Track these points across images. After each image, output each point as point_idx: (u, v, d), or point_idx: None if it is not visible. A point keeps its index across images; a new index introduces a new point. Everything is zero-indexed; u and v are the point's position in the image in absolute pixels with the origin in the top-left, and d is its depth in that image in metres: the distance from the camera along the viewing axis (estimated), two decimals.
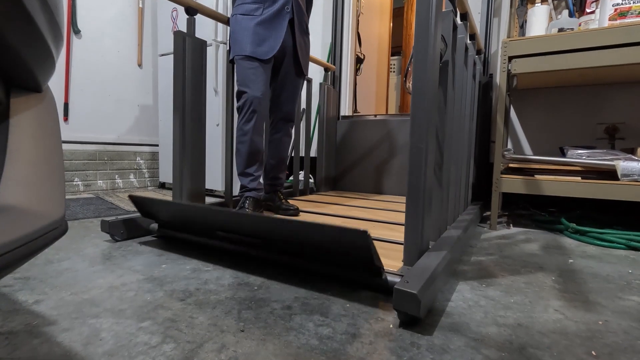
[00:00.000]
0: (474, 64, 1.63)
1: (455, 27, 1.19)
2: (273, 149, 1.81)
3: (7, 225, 0.29)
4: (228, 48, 1.67)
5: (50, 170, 0.37)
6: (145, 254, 1.21)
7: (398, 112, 4.22)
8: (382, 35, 3.63)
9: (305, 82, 1.93)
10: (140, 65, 3.06)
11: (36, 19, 0.31)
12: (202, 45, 1.53)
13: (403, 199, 2.27)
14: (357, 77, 2.91)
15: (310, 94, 2.39)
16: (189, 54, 1.47)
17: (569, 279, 1.08)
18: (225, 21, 1.67)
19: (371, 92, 3.45)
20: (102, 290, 0.90)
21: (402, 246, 0.99)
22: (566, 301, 0.91)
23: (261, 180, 1.74)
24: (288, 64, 1.71)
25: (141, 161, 3.12)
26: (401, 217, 1.59)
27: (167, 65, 2.82)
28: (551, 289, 1.00)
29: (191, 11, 1.47)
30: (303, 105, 2.43)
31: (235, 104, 1.63)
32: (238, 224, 1.08)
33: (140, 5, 3.00)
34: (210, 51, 2.42)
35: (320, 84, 2.48)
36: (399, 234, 1.31)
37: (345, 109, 2.78)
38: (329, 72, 2.58)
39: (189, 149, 1.51)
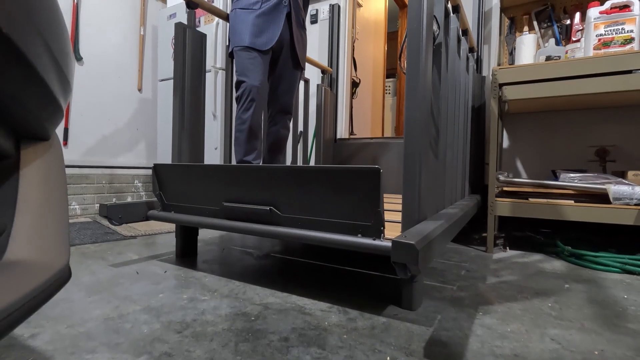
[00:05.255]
0: (467, 58, 1.68)
1: (447, 13, 1.26)
2: (271, 141, 1.86)
3: (15, 282, 0.31)
4: (227, 43, 1.74)
5: (55, 218, 0.39)
6: (142, 282, 1.21)
7: (394, 135, 4.28)
8: (377, 58, 3.72)
9: (302, 81, 1.98)
10: (140, 89, 3.12)
11: (49, 82, 0.33)
12: (201, 37, 1.58)
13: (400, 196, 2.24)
14: (353, 100, 2.97)
15: (308, 95, 2.44)
16: (189, 44, 1.52)
17: (565, 305, 1.08)
18: (225, 17, 1.76)
19: (367, 114, 3.52)
20: (99, 323, 0.90)
21: (400, 224, 1.02)
22: (562, 329, 0.92)
23: None
24: (285, 56, 1.78)
25: (139, 184, 3.13)
26: (398, 207, 1.59)
27: (167, 89, 2.87)
28: (547, 316, 1.00)
29: (192, 4, 1.55)
30: (301, 107, 2.48)
31: (234, 94, 1.68)
32: (249, 177, 1.18)
33: (142, 33, 3.09)
34: (209, 77, 2.48)
35: (318, 85, 2.54)
36: (396, 217, 1.31)
37: (342, 132, 2.83)
38: (326, 75, 2.65)
39: (188, 128, 1.53)
